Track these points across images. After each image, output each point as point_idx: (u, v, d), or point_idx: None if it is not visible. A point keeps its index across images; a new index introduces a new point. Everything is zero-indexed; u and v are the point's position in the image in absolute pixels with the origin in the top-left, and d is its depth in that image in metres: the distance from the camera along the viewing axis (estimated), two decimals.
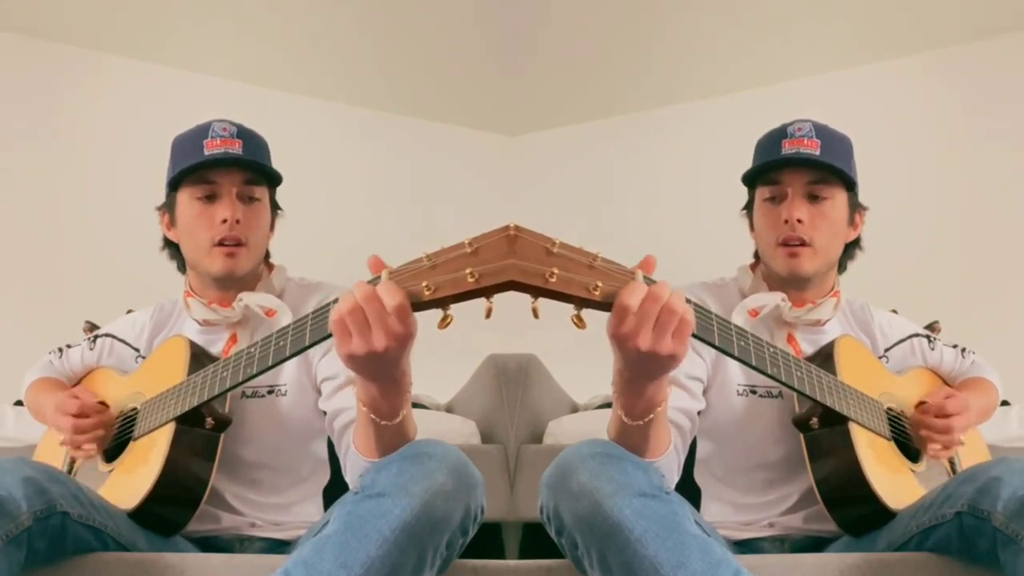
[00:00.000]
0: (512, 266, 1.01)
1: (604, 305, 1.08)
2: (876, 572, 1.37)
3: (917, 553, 1.39)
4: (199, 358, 1.59)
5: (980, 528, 1.28)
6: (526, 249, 1.03)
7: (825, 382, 1.47)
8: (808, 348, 1.66)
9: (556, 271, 1.03)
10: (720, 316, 1.26)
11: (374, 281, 1.11)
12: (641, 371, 1.16)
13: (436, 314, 1.07)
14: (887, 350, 1.74)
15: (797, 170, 1.62)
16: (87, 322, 2.43)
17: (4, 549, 1.21)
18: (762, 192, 1.67)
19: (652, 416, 1.22)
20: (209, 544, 1.60)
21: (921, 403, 1.63)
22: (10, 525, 1.22)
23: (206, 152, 1.60)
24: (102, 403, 1.63)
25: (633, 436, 1.25)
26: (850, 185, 1.66)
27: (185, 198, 1.64)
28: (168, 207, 1.69)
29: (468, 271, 1.03)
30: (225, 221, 1.60)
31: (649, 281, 1.11)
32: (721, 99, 4.79)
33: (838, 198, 1.64)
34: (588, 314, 1.08)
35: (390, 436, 1.25)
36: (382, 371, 1.15)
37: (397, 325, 1.08)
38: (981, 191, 4.26)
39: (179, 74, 4.53)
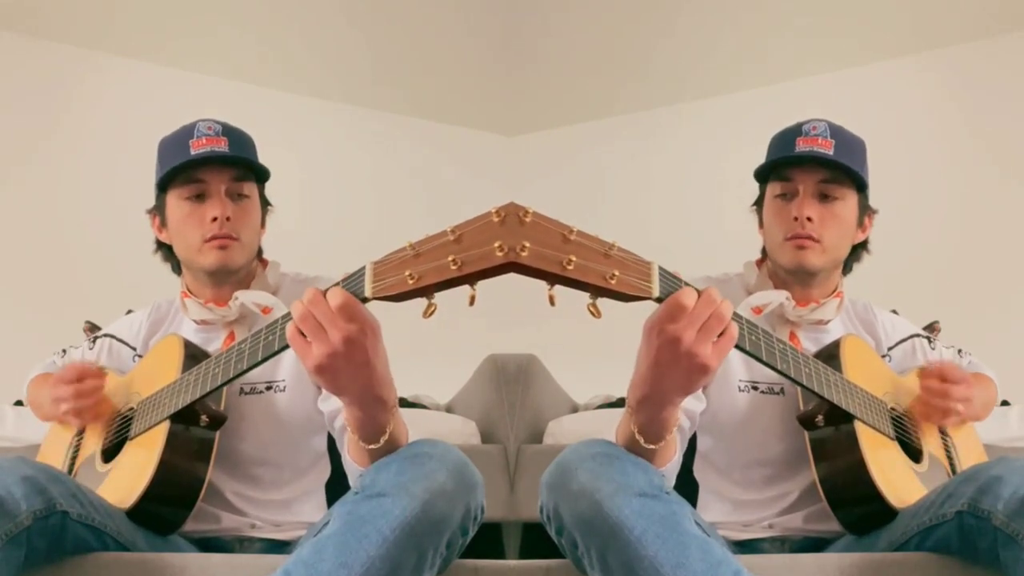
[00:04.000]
0: (494, 251, 1.00)
1: (620, 295, 1.08)
2: (876, 572, 1.36)
3: (917, 553, 1.39)
4: (194, 356, 1.58)
5: (981, 527, 1.27)
6: (543, 235, 1.02)
7: (832, 380, 1.47)
8: (811, 347, 1.66)
9: (574, 258, 1.03)
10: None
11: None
12: (665, 381, 1.16)
13: (431, 318, 1.08)
14: (889, 349, 1.75)
15: (810, 168, 1.62)
16: (87, 322, 2.43)
17: (4, 548, 1.21)
18: (773, 188, 1.67)
19: (665, 442, 1.24)
20: (209, 545, 1.60)
21: (922, 369, 1.62)
22: (10, 524, 1.22)
23: (193, 152, 1.60)
24: (100, 369, 1.62)
25: (642, 453, 1.26)
26: (861, 187, 1.66)
27: (174, 199, 1.64)
28: (158, 209, 1.69)
29: (451, 258, 1.03)
30: (215, 219, 1.60)
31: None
32: (719, 100, 4.79)
33: (849, 199, 1.64)
34: (588, 313, 1.08)
35: (380, 456, 1.26)
36: (354, 380, 1.16)
37: (346, 323, 1.11)
38: (981, 191, 4.26)
39: (179, 74, 4.53)
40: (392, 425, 1.24)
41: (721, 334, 1.13)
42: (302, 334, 1.14)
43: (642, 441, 1.24)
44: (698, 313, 1.11)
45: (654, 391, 1.18)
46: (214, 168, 1.61)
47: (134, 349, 1.74)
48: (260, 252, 1.73)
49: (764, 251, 1.74)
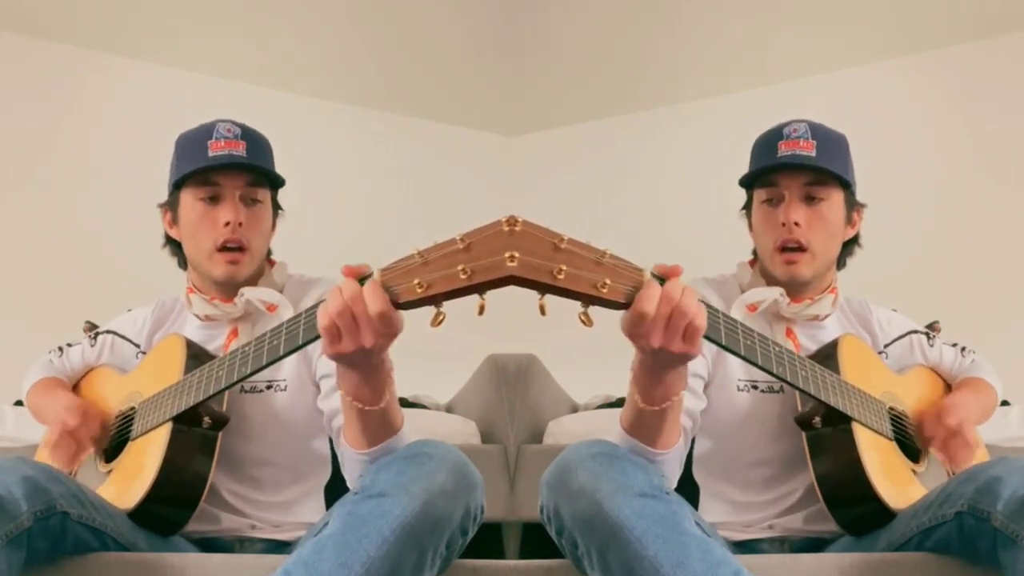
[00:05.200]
0: (504, 261, 0.99)
1: (612, 303, 1.07)
2: (876, 572, 1.37)
3: (917, 553, 1.39)
4: (197, 356, 1.59)
5: (980, 528, 1.28)
6: (533, 244, 1.01)
7: (829, 381, 1.47)
8: (808, 343, 1.67)
9: (564, 267, 1.02)
10: (726, 314, 1.27)
11: (363, 280, 1.13)
12: (658, 362, 1.19)
13: (431, 314, 1.07)
14: (886, 346, 1.75)
15: (794, 172, 1.63)
16: (87, 322, 2.43)
17: (4, 549, 1.21)
18: (759, 194, 1.68)
19: (669, 404, 1.25)
20: (209, 545, 1.60)
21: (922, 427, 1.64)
22: (10, 525, 1.22)
23: (210, 154, 1.60)
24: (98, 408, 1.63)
25: (647, 423, 1.27)
26: (846, 184, 1.66)
27: (188, 198, 1.64)
28: (171, 205, 1.70)
29: (460, 267, 1.01)
30: (228, 224, 1.61)
31: (660, 281, 1.11)
32: (719, 99, 4.78)
33: (835, 198, 1.65)
34: (593, 313, 1.08)
35: (376, 423, 1.28)
36: (367, 361, 1.19)
37: (382, 327, 1.12)
38: (980, 191, 4.26)
39: (180, 74, 4.53)
40: (389, 394, 1.26)
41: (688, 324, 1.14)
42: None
43: (640, 402, 1.25)
44: (660, 315, 1.12)
45: (651, 367, 1.21)
46: (230, 172, 1.62)
47: (137, 346, 1.74)
48: (268, 253, 1.74)
49: (755, 252, 1.74)
